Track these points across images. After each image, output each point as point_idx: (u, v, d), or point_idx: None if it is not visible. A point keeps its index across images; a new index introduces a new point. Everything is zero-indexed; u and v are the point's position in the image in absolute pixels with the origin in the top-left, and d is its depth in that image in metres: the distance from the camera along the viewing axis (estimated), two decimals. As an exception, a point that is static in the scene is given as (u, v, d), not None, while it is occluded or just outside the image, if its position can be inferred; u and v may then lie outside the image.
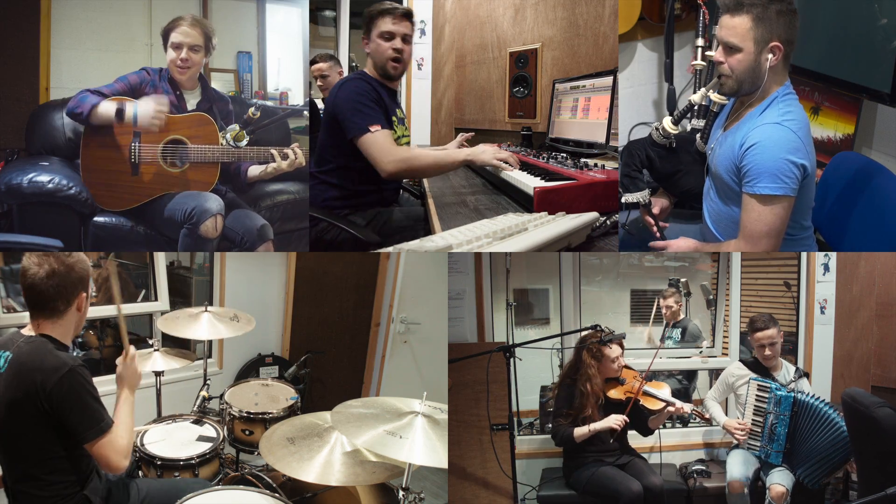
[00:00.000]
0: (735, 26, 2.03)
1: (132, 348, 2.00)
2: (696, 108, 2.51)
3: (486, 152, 2.78)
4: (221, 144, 2.84)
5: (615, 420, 2.60)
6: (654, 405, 2.63)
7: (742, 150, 2.07)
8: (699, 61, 2.65)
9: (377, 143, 2.61)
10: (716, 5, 2.20)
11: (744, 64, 2.05)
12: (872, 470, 2.27)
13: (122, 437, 1.79)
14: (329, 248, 2.75)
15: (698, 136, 2.47)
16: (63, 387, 1.70)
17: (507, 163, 2.74)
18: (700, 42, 2.67)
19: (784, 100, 2.09)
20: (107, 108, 2.71)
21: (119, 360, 1.97)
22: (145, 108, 2.72)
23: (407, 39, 2.79)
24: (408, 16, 2.78)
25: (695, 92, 2.59)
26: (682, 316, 3.41)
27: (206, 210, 2.71)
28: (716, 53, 2.12)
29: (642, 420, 2.71)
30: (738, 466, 2.70)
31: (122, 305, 3.18)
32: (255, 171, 3.01)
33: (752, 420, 2.78)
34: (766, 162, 2.00)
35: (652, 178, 2.62)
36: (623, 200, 2.51)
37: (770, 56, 2.03)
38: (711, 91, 2.31)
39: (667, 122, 2.47)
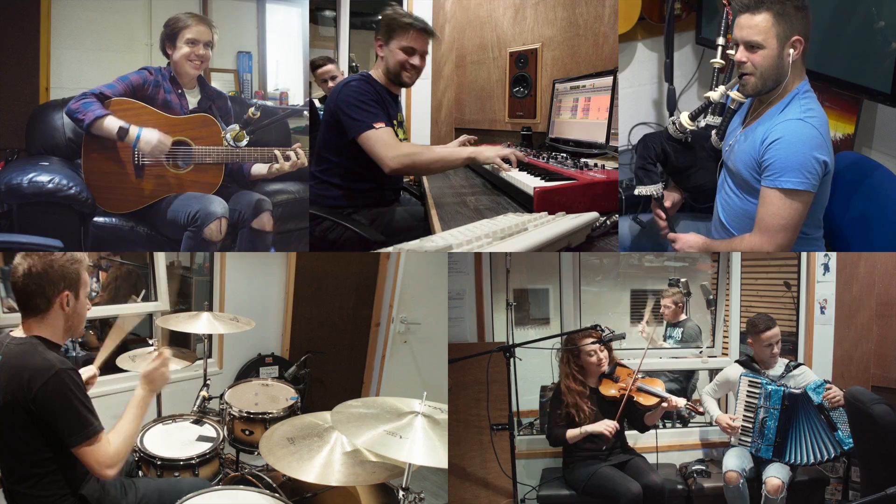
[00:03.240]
0: (757, 24, 2.05)
1: (168, 351, 2.00)
2: (713, 105, 2.51)
3: (489, 149, 2.77)
4: (226, 149, 2.84)
5: (606, 426, 2.61)
6: (649, 401, 2.64)
7: (765, 146, 2.09)
8: (719, 59, 2.65)
9: (380, 139, 2.60)
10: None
11: (768, 60, 2.07)
12: (873, 470, 2.27)
13: (111, 443, 1.75)
14: (332, 248, 2.75)
15: (714, 132, 2.47)
16: (48, 389, 1.68)
17: (507, 161, 2.73)
18: (721, 41, 2.67)
19: (804, 97, 2.12)
20: (111, 124, 2.70)
21: (150, 361, 1.96)
22: (149, 136, 2.72)
23: (424, 56, 2.83)
24: (430, 33, 2.82)
25: (712, 89, 2.59)
26: (682, 316, 3.41)
27: (211, 213, 2.71)
28: (737, 55, 2.12)
29: (638, 417, 2.71)
30: (734, 459, 2.72)
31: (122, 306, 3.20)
32: (259, 169, 3.02)
33: (744, 416, 2.79)
34: (790, 157, 2.03)
35: (665, 172, 2.63)
36: (636, 193, 2.51)
37: (792, 51, 2.06)
38: (731, 90, 2.31)
39: (684, 117, 2.48)
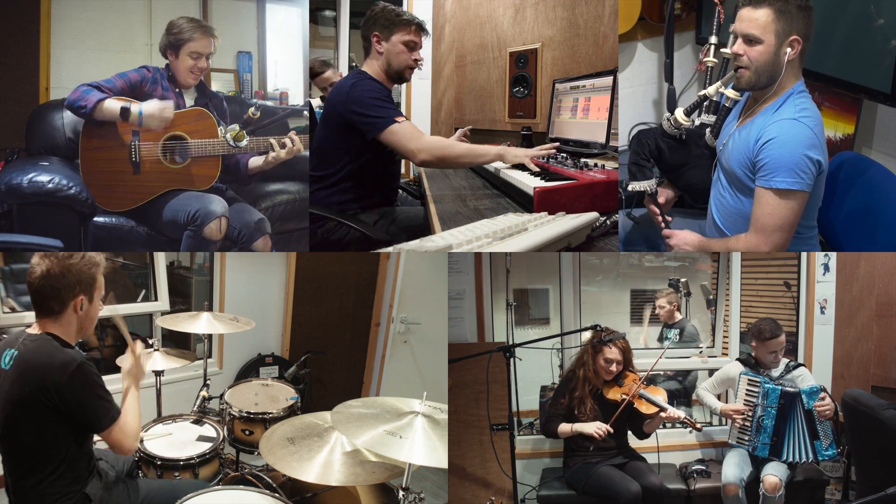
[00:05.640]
0: (757, 18, 2.06)
1: (139, 345, 2.07)
2: (707, 102, 2.51)
3: (520, 149, 2.76)
4: (221, 141, 2.84)
5: (597, 428, 2.61)
6: (648, 409, 2.64)
7: (758, 145, 2.09)
8: (711, 58, 2.65)
9: (407, 131, 2.57)
10: (731, 3, 2.23)
11: (764, 56, 2.07)
12: (873, 470, 2.28)
13: (130, 422, 1.87)
14: (335, 248, 2.74)
15: (708, 130, 2.48)
16: (76, 382, 1.72)
17: (541, 154, 2.73)
18: (714, 39, 2.67)
19: (799, 97, 2.12)
20: (112, 105, 2.71)
21: (126, 357, 2.05)
22: (150, 108, 2.74)
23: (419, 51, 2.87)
24: (427, 31, 2.89)
25: (703, 88, 2.59)
26: (678, 316, 3.40)
27: (211, 212, 2.71)
28: (734, 47, 2.13)
29: (638, 423, 2.72)
30: (733, 468, 2.71)
31: (120, 306, 3.20)
32: (255, 161, 3.02)
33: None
34: (783, 156, 2.03)
35: (659, 169, 2.63)
36: (630, 188, 2.51)
37: (789, 50, 2.06)
38: (724, 87, 2.32)
39: (679, 113, 2.48)
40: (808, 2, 2.07)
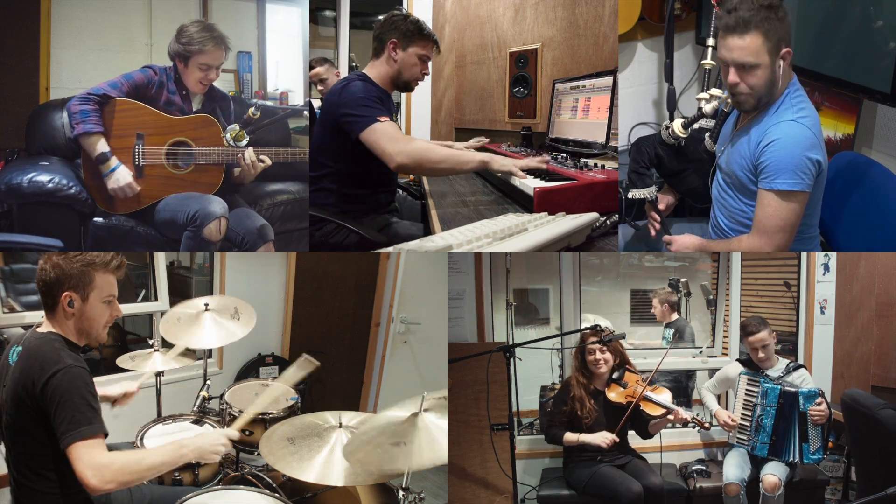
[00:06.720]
0: (747, 45, 2.02)
1: (234, 436, 1.99)
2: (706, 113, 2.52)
3: (507, 158, 2.68)
4: (226, 149, 2.84)
5: (603, 438, 2.61)
6: (655, 411, 2.64)
7: (760, 148, 2.10)
8: (709, 60, 2.66)
9: (386, 132, 2.48)
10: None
11: (763, 78, 2.06)
12: (872, 470, 2.28)
13: (114, 460, 1.65)
14: (334, 251, 2.73)
15: (707, 135, 2.48)
16: (53, 383, 1.67)
17: (530, 167, 2.65)
18: (711, 42, 2.68)
19: (796, 96, 2.12)
20: (98, 146, 2.73)
21: (218, 431, 1.96)
22: (119, 176, 2.75)
23: None
24: (440, 49, 2.85)
25: (701, 90, 2.59)
26: (674, 316, 3.40)
27: (210, 213, 2.71)
28: (729, 77, 2.09)
29: (642, 424, 2.71)
30: (734, 469, 2.71)
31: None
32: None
33: (742, 414, 2.80)
34: (785, 158, 2.04)
35: (659, 175, 2.63)
36: (630, 196, 2.52)
37: (782, 62, 2.06)
38: (723, 103, 2.32)
39: (677, 125, 2.49)
40: (783, 6, 2.04)
